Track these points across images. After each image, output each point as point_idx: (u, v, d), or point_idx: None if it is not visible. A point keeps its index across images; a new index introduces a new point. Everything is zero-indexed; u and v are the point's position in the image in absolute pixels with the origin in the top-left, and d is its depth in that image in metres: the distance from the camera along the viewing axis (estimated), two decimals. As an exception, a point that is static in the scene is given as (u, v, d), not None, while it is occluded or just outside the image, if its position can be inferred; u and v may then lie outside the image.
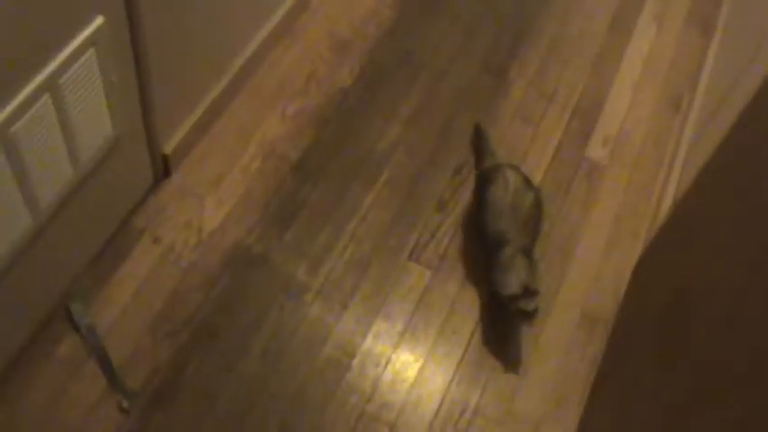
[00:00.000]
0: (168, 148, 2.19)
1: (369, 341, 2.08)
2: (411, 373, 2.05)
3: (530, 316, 2.06)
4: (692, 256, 1.84)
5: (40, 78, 1.53)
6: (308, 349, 2.04)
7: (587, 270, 2.26)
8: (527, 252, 2.14)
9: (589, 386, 2.10)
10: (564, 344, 2.15)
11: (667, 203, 2.33)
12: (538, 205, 2.22)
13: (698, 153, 2.25)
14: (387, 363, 2.06)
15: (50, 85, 1.57)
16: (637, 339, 1.97)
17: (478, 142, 2.45)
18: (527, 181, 2.24)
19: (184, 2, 1.95)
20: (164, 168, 2.23)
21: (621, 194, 2.45)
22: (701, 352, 1.48)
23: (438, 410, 2.01)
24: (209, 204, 2.23)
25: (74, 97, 1.65)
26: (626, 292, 2.24)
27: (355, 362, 2.04)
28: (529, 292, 2.05)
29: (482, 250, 2.21)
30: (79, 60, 1.61)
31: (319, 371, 2.02)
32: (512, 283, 2.07)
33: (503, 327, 2.16)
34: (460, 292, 2.18)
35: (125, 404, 1.91)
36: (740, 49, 2.49)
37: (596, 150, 2.53)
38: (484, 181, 2.25)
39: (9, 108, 1.49)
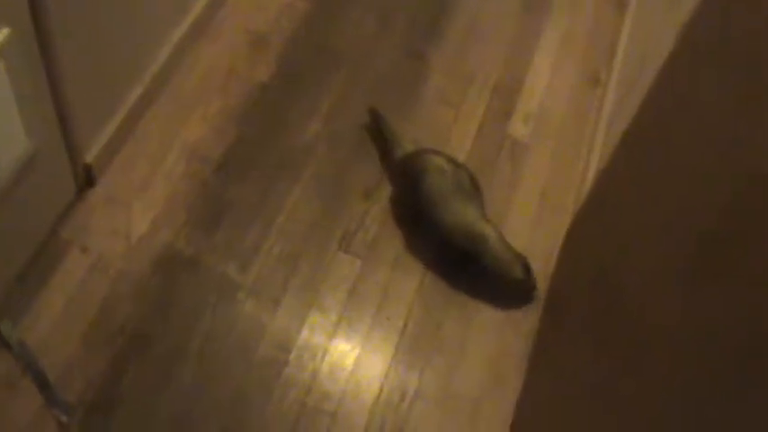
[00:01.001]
0: (90, 156, 2.17)
1: (304, 334, 2.08)
2: (348, 362, 2.07)
3: (534, 286, 2.21)
4: (615, 228, 1.87)
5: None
6: (245, 348, 2.04)
7: (517, 247, 2.29)
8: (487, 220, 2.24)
9: (526, 362, 2.13)
10: (499, 322, 2.18)
11: (591, 177, 2.37)
12: (473, 177, 2.28)
13: (617, 126, 2.29)
14: (324, 354, 2.07)
15: (-43, 102, 1.55)
16: (568, 313, 2.01)
17: (377, 126, 2.44)
18: (452, 159, 2.27)
19: (95, 7, 1.94)
20: (87, 177, 2.20)
21: (546, 170, 2.49)
22: (626, 322, 1.51)
23: (378, 396, 2.03)
24: (136, 210, 2.21)
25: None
26: (555, 266, 2.28)
27: (292, 356, 2.05)
28: (527, 266, 2.19)
29: (434, 240, 2.24)
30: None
31: (257, 368, 2.02)
32: (513, 266, 2.18)
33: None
34: (392, 279, 2.20)
35: (63, 419, 1.89)
36: (652, 23, 2.54)
37: (518, 128, 2.56)
38: (412, 173, 2.26)
39: None
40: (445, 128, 2.52)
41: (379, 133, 2.43)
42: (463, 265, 2.21)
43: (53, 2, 1.73)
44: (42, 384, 1.92)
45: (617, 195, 1.94)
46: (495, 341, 2.15)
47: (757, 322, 0.95)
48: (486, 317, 2.18)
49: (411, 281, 2.21)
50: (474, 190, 2.26)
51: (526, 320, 2.19)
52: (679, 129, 1.59)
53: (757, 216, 1.05)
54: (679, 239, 1.36)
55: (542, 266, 2.28)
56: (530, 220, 2.37)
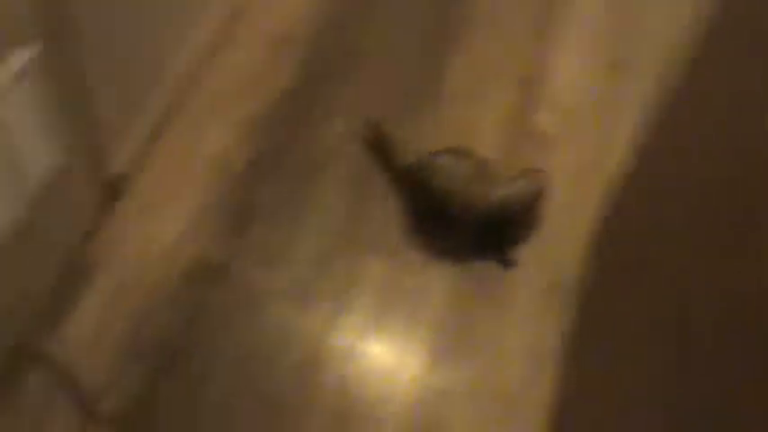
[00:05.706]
0: (118, 168, 2.18)
1: (336, 338, 2.06)
2: (381, 364, 2.04)
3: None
4: (653, 212, 1.83)
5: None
6: (277, 354, 2.02)
7: (551, 237, 2.25)
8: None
9: (564, 352, 2.10)
10: (533, 316, 2.15)
11: (622, 162, 2.33)
12: (483, 162, 2.26)
13: (646, 108, 2.26)
14: (357, 357, 2.04)
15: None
16: (605, 299, 1.97)
17: (378, 138, 2.38)
18: (457, 151, 2.27)
19: (119, 20, 1.94)
20: (116, 189, 2.21)
21: (576, 159, 2.45)
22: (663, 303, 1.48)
23: (412, 396, 1.99)
24: (166, 221, 2.21)
25: (12, 127, 1.62)
26: (590, 256, 2.24)
27: (325, 360, 2.03)
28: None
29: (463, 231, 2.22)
30: (15, 90, 1.59)
31: (290, 374, 2.00)
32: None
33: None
34: (422, 278, 2.18)
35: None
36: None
37: (544, 119, 2.53)
38: (422, 179, 2.23)
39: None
40: (470, 124, 2.49)
41: (380, 144, 2.38)
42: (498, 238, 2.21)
43: (82, 16, 1.75)
44: (79, 400, 1.92)
45: (653, 178, 1.90)
46: (530, 335, 2.11)
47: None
48: (520, 312, 2.15)
49: (441, 282, 2.18)
50: (490, 172, 2.24)
51: (561, 312, 2.15)
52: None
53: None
54: (717, 214, 1.33)
55: (575, 257, 2.24)
56: (563, 209, 2.32)
